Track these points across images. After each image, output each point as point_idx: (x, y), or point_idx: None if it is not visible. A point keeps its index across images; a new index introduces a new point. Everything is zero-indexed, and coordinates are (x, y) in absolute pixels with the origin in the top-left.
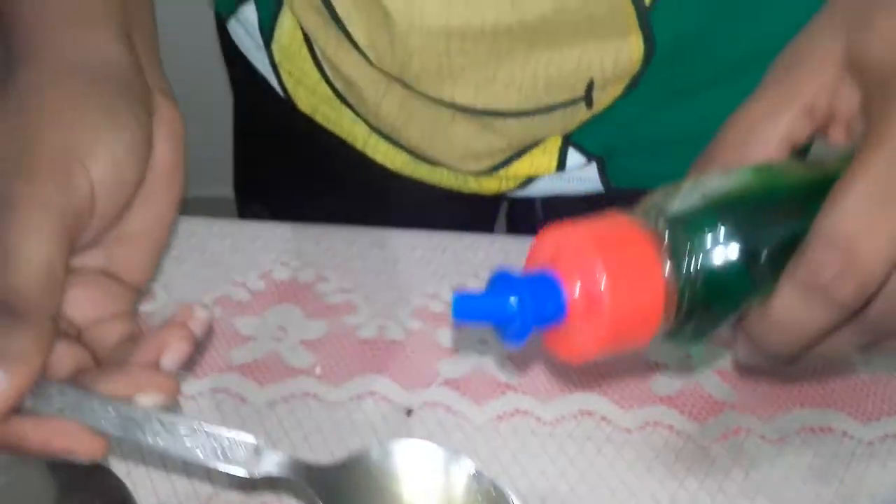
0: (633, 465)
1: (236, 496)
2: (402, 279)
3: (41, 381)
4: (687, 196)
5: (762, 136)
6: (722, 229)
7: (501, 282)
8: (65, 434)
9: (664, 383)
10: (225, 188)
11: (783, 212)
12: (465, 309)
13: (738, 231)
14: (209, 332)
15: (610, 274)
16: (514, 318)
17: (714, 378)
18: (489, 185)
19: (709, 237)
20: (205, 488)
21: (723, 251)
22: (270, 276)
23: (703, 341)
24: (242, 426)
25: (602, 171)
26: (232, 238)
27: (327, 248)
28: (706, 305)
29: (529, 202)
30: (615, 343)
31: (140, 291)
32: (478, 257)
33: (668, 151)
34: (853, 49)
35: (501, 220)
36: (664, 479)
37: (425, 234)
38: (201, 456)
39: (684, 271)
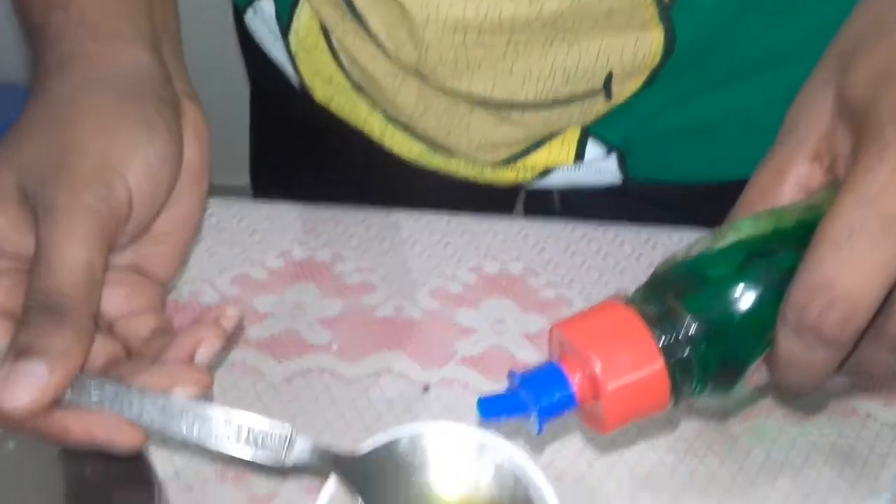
0: (653, 444)
1: (252, 466)
2: (419, 261)
3: (80, 375)
4: (678, 266)
5: (778, 191)
6: (713, 293)
7: (515, 381)
8: (106, 426)
9: None
10: (241, 178)
11: (773, 260)
12: (489, 408)
13: (724, 292)
14: (240, 328)
15: (604, 363)
16: (530, 412)
17: None
18: (506, 176)
19: (701, 303)
20: (221, 457)
21: (717, 311)
22: (288, 256)
23: (732, 394)
24: (259, 401)
25: (621, 163)
26: (250, 219)
27: (345, 230)
28: (715, 367)
29: (547, 194)
30: (630, 416)
31: (167, 286)
32: (496, 240)
33: (688, 143)
34: (840, 93)
35: (518, 212)
36: (685, 457)
37: (444, 217)
38: (234, 446)
39: (679, 343)
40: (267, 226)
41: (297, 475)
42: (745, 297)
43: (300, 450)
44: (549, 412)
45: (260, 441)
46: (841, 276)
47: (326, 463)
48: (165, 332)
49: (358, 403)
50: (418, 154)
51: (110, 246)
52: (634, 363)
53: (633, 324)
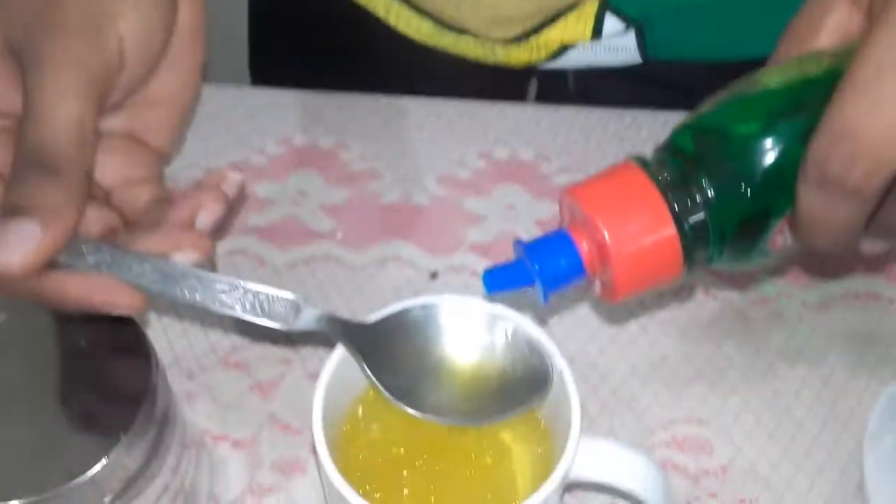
0: (666, 328)
1: (254, 352)
2: (426, 146)
3: (75, 238)
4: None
5: (814, 37)
6: (731, 146)
7: (521, 250)
8: (104, 288)
9: None
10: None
11: (799, 112)
12: (494, 280)
13: (745, 147)
14: (242, 196)
15: (611, 228)
16: (540, 281)
17: None
18: (518, 56)
19: (721, 160)
20: (223, 343)
21: (737, 168)
22: (290, 143)
23: (753, 259)
24: None
25: (640, 40)
26: (248, 105)
27: (349, 116)
28: (734, 230)
29: (561, 75)
30: (642, 283)
31: (166, 156)
32: (506, 125)
33: (710, 17)
34: None
35: (531, 97)
36: (699, 342)
37: (451, 102)
38: (239, 310)
39: (695, 205)
40: (267, 112)
41: (301, 361)
42: (767, 153)
43: (307, 316)
44: (555, 281)
45: (266, 307)
46: (867, 122)
47: (334, 329)
48: (165, 202)
49: (364, 290)
50: (426, 33)
51: (102, 101)
52: (644, 228)
53: (646, 187)
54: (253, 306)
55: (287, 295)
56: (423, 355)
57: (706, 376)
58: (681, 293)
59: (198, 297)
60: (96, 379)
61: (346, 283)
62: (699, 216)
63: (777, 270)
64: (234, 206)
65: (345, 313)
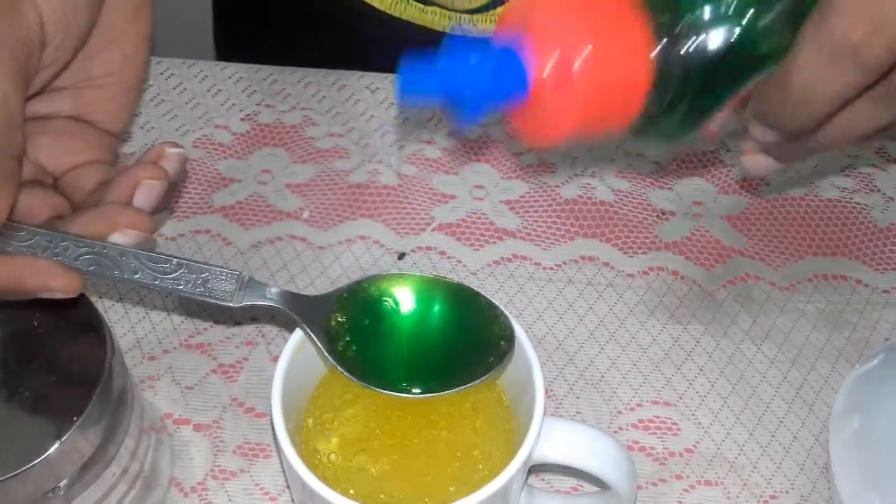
0: (635, 310)
1: (218, 334)
2: (395, 124)
3: (10, 224)
4: None
5: None
6: None
7: (456, 48)
8: (37, 270)
9: (670, 229)
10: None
11: None
12: (414, 81)
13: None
14: (184, 170)
15: (581, 39)
16: (469, 90)
17: (723, 224)
18: (485, 26)
19: (707, 15)
20: (185, 326)
21: (724, 12)
22: (255, 119)
23: (692, 129)
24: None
25: None
26: (213, 79)
27: (315, 92)
28: (703, 77)
29: None
30: (587, 122)
31: (117, 137)
32: None
33: None
34: None
35: None
36: (667, 324)
37: None
38: (183, 288)
39: (674, 51)
40: (231, 87)
41: (265, 343)
42: (757, 12)
43: (254, 292)
44: (488, 96)
45: (211, 284)
46: None
47: (285, 303)
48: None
49: (329, 271)
50: (390, 3)
51: (26, 76)
52: (620, 49)
53: (634, 13)
54: (196, 284)
55: (231, 271)
56: (379, 328)
57: (673, 358)
58: (649, 273)
59: (138, 276)
60: (49, 361)
61: (311, 263)
62: (675, 62)
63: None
64: (176, 181)
65: (310, 293)
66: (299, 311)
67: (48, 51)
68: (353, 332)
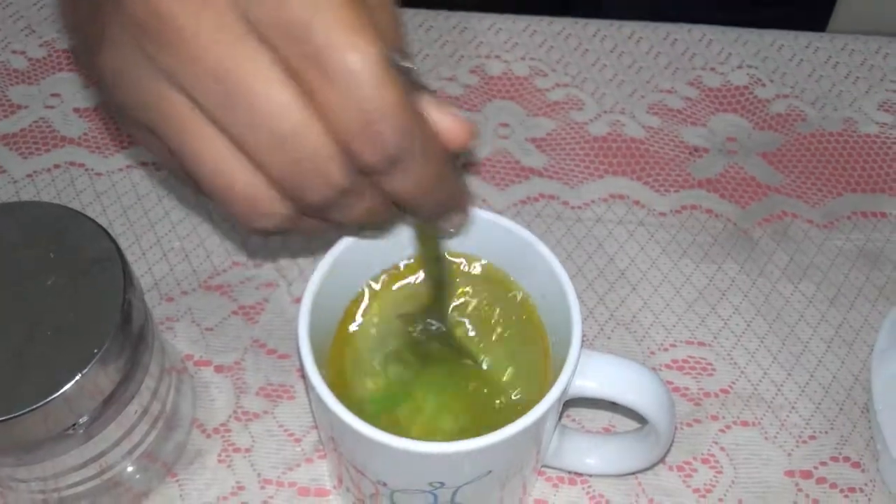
0: (667, 249)
1: (237, 274)
2: (416, 61)
3: None
4: None
5: None
6: None
7: None
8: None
9: (704, 166)
10: None
11: None
12: None
13: None
14: None
15: None
16: None
17: (758, 160)
18: None
19: None
20: (204, 267)
21: None
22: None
23: None
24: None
25: None
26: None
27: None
28: None
29: None
30: None
31: None
32: (499, 39)
33: None
34: None
35: None
36: (701, 263)
37: (441, 13)
38: None
39: None
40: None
41: (286, 285)
42: None
43: None
44: None
45: None
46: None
47: None
48: None
49: None
50: None
51: None
52: None
53: None
54: None
55: None
56: None
57: (707, 298)
58: (682, 212)
59: None
60: (69, 295)
61: None
62: None
63: None
64: None
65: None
66: None
67: None
68: None
